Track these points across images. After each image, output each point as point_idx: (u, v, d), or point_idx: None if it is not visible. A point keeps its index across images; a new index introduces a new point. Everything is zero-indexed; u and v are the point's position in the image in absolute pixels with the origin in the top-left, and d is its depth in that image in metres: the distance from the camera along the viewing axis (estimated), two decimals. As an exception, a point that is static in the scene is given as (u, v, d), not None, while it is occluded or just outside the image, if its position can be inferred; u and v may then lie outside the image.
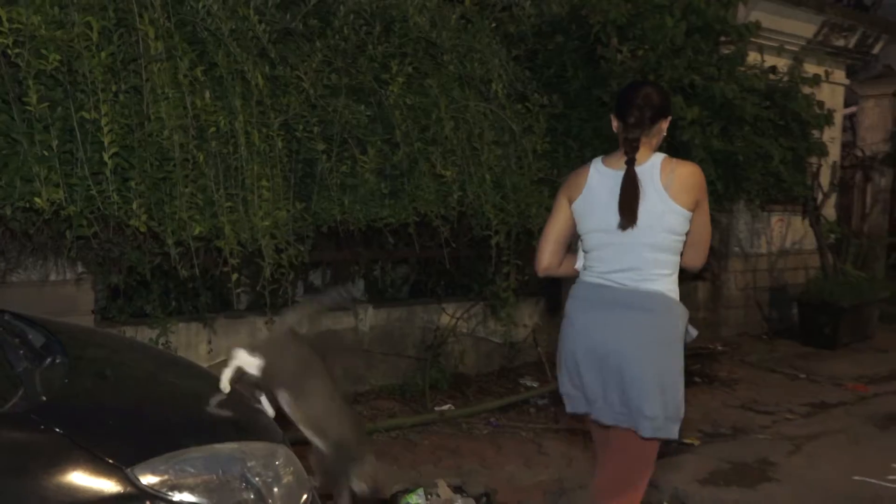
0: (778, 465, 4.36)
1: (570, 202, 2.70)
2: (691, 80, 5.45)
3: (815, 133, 7.83)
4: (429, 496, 3.97)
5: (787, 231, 8.31)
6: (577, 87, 5.56)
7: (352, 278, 5.89)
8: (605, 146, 5.66)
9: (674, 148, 6.01)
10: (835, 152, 8.60)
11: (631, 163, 2.55)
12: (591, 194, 2.64)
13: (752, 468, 4.31)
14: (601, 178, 2.63)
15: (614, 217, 2.54)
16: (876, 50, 8.73)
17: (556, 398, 5.66)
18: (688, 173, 2.57)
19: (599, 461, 2.82)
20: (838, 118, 8.65)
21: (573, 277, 2.84)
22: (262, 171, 4.00)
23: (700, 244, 2.65)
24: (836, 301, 7.39)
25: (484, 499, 3.98)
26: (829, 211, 8.68)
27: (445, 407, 5.27)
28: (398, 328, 5.70)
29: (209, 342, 4.85)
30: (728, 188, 6.39)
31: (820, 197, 7.93)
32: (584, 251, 2.72)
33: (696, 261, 2.68)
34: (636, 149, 2.57)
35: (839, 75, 8.59)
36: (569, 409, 2.77)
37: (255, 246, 3.97)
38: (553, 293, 6.46)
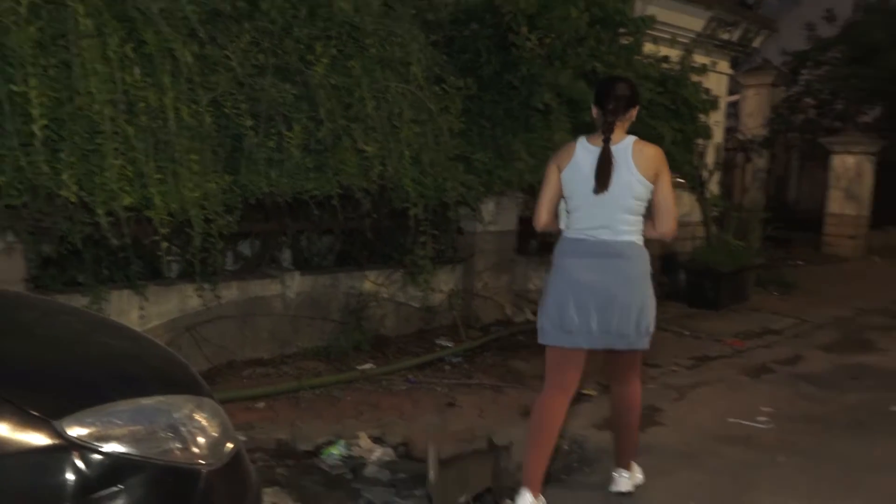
0: (664, 410, 4.54)
1: (560, 170, 3.13)
2: (593, 67, 5.54)
3: (702, 117, 8.09)
4: (351, 446, 3.99)
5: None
6: (490, 72, 5.57)
7: (279, 248, 5.81)
8: (514, 125, 5.74)
9: (578, 128, 6.13)
10: (719, 135, 8.90)
11: (607, 142, 3.01)
12: (576, 165, 3.08)
13: (642, 414, 4.46)
14: (585, 153, 3.07)
15: (592, 184, 3.00)
16: (757, 43, 9.04)
17: (470, 356, 5.78)
18: (652, 153, 3.06)
19: (565, 376, 3.28)
20: (723, 104, 8.93)
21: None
22: (191, 145, 3.91)
23: (665, 212, 3.11)
24: (718, 267, 7.71)
25: (402, 448, 4.04)
26: (714, 187, 8.99)
27: (367, 366, 5.28)
28: (323, 294, 5.67)
29: (141, 308, 4.72)
30: (624, 166, 6.54)
31: (706, 174, 8.20)
32: (568, 211, 3.17)
33: (665, 226, 3.14)
34: (612, 131, 3.02)
35: (724, 66, 8.87)
36: (545, 341, 3.21)
37: (185, 216, 3.88)
38: (468, 261, 6.53)
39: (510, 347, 5.94)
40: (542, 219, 3.25)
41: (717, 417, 4.42)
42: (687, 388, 4.99)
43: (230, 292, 5.15)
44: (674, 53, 7.29)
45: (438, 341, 6.01)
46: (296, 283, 5.48)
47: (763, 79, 13.36)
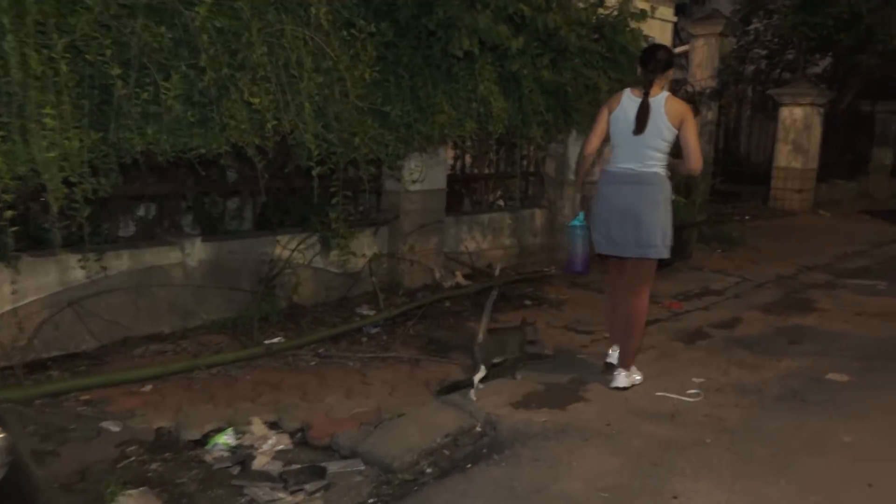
0: (589, 384, 4.23)
1: (610, 112, 4.08)
2: (519, 10, 5.10)
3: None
4: (241, 434, 3.61)
5: (618, 160, 8.24)
6: (408, 15, 5.10)
7: (179, 212, 5.32)
8: (435, 75, 5.30)
9: (504, 78, 5.71)
10: (663, 86, 8.55)
11: (646, 95, 3.94)
12: (622, 110, 4.02)
13: (565, 388, 4.16)
14: (630, 102, 4.00)
15: (633, 126, 3.93)
16: (701, -11, 8.65)
17: (391, 326, 5.42)
18: (679, 107, 3.94)
19: (614, 282, 4.35)
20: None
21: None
22: (43, 97, 3.40)
23: (691, 150, 3.94)
24: (659, 225, 7.41)
25: (299, 433, 3.68)
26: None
27: (276, 339, 4.87)
28: (231, 261, 5.22)
29: (13, 283, 4.23)
30: (558, 119, 6.16)
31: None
32: (612, 147, 4.11)
33: (693, 163, 3.97)
34: (651, 86, 3.94)
35: (667, 12, 8.47)
36: (599, 251, 4.23)
37: (38, 180, 3.39)
38: (393, 223, 6.13)
39: (436, 315, 5.58)
40: (591, 145, 4.22)
41: (646, 390, 4.13)
42: (617, 357, 4.69)
43: (121, 262, 4.68)
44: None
45: (359, 310, 5.63)
46: (197, 251, 5.02)
47: (712, 28, 13.00)
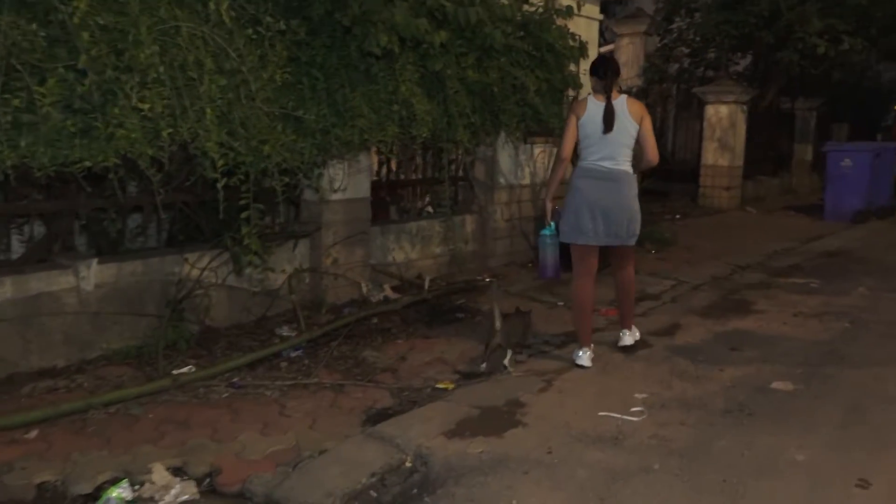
0: (528, 405, 3.94)
1: (578, 118, 4.48)
2: (440, 4, 4.79)
3: (572, 66, 7.54)
4: (139, 485, 3.18)
5: (549, 162, 8.02)
6: (321, 12, 4.73)
7: (73, 231, 4.82)
8: (353, 76, 4.95)
9: (428, 79, 5.40)
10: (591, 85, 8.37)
11: (609, 99, 4.42)
12: (589, 115, 4.44)
13: (502, 412, 3.86)
14: (595, 107, 4.44)
15: (601, 127, 4.37)
16: (626, -14, 8.54)
17: (313, 347, 5.03)
18: (637, 106, 4.50)
19: (583, 273, 4.63)
20: (593, 51, 8.40)
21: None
22: None
23: (650, 144, 4.47)
24: (593, 228, 7.21)
25: (207, 480, 3.27)
26: (587, 142, 8.49)
27: (185, 369, 4.44)
28: (133, 284, 4.75)
29: None
30: (485, 121, 5.88)
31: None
32: (582, 147, 4.50)
33: (651, 154, 4.51)
34: (612, 91, 4.46)
35: (593, 10, 8.30)
36: (577, 242, 4.54)
37: None
38: (314, 236, 5.74)
39: (362, 334, 5.22)
40: (567, 149, 4.54)
41: (587, 410, 3.86)
42: (555, 374, 4.42)
43: (3, 290, 4.17)
44: (538, -5, 6.64)
45: (280, 331, 5.23)
46: (93, 274, 4.54)
47: (636, 27, 13.03)
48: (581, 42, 7.02)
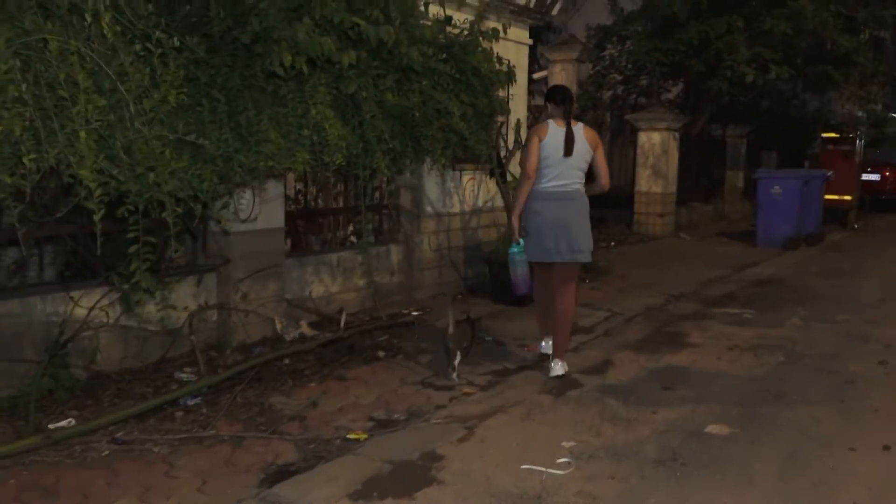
0: (445, 458, 3.58)
1: (540, 140, 4.72)
2: (351, 22, 4.46)
3: (501, 92, 7.30)
4: (-19, 572, 2.71)
5: (479, 189, 7.75)
6: (222, 28, 4.34)
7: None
8: (259, 97, 4.57)
9: (342, 102, 5.07)
10: (522, 112, 8.17)
11: (569, 125, 4.75)
12: (551, 137, 4.72)
13: (417, 467, 3.48)
14: (556, 130, 4.74)
15: (562, 151, 4.70)
16: (555, 11, 8.38)
17: (213, 394, 4.57)
18: (592, 133, 4.87)
19: (545, 285, 5.05)
20: (522, 78, 8.20)
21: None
22: None
23: (603, 171, 4.91)
24: (523, 258, 6.93)
25: (67, 562, 2.82)
26: (517, 169, 8.25)
27: (64, 422, 3.95)
28: (7, 326, 4.24)
29: None
30: (406, 147, 5.55)
31: (504, 154, 7.40)
32: (540, 168, 4.73)
33: (605, 180, 4.94)
34: (570, 117, 4.80)
35: (522, 34, 8.12)
36: (543, 260, 4.86)
37: None
38: (222, 269, 5.30)
39: (272, 376, 4.79)
40: (532, 167, 4.73)
41: (510, 462, 3.52)
42: (478, 420, 4.06)
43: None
44: (462, 17, 6.37)
45: (180, 375, 4.76)
46: (-41, 316, 4.02)
47: (568, 54, 12.94)
48: (510, 67, 6.77)
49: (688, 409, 4.26)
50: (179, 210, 3.97)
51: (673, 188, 12.66)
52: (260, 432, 3.94)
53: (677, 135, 12.68)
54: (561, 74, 13.12)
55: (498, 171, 7.06)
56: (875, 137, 15.08)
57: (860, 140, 14.46)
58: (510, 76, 6.79)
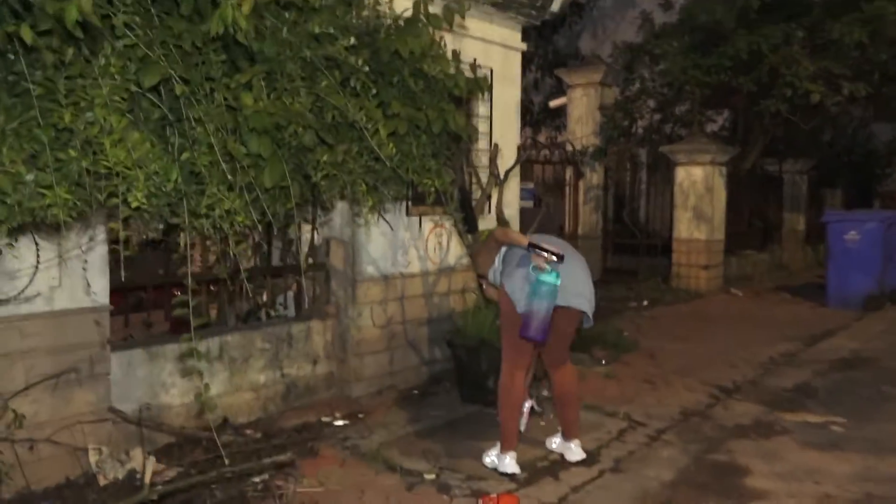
0: None
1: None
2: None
3: (482, 108, 5.28)
4: None
5: (448, 242, 5.64)
6: None
7: None
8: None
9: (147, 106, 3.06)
10: (510, 136, 6.09)
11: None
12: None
13: None
14: None
15: None
16: (556, 7, 6.32)
17: None
18: None
19: (525, 356, 3.84)
20: (511, 92, 6.14)
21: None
22: None
23: None
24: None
25: None
26: (511, 212, 6.15)
27: None
28: None
29: None
30: (287, 180, 3.50)
31: (479, 194, 5.31)
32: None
33: None
34: None
35: (510, 36, 6.09)
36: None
37: None
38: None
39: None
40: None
41: None
42: None
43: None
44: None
45: None
46: None
47: (590, 76, 10.89)
48: (481, 73, 4.73)
49: None
50: None
51: (720, 234, 10.37)
52: None
53: (724, 170, 10.43)
54: (582, 101, 11.05)
55: (460, 215, 4.98)
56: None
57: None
58: (479, 85, 4.76)
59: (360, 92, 3.78)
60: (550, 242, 3.68)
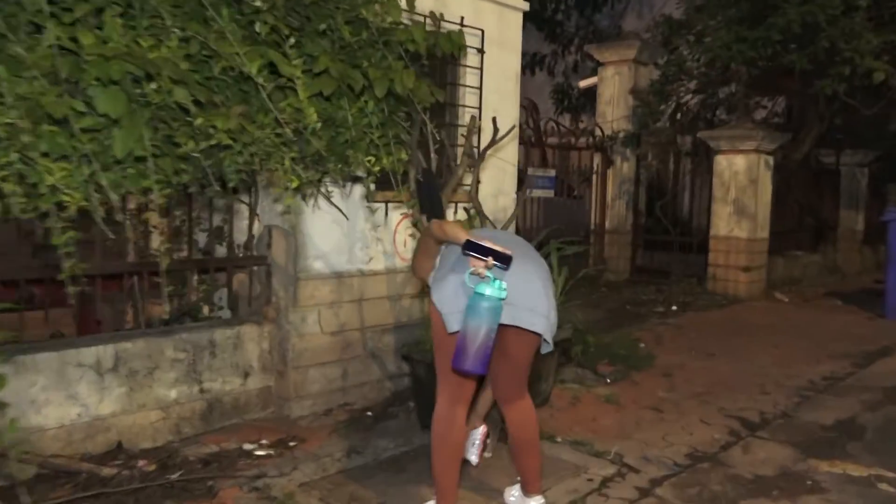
0: None
1: None
2: None
3: (467, 79, 4.42)
4: None
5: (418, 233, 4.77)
6: None
7: None
8: None
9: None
10: (509, 111, 5.18)
11: None
12: None
13: None
14: None
15: None
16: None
17: None
18: None
19: (464, 387, 2.85)
20: (509, 60, 5.23)
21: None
22: None
23: None
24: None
25: None
26: (506, 202, 5.26)
27: None
28: None
29: None
30: (141, 146, 2.68)
31: (459, 176, 4.41)
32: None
33: None
34: None
35: (508, -8, 5.17)
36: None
37: None
38: None
39: None
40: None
41: None
42: None
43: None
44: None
45: None
46: None
47: (624, 53, 9.85)
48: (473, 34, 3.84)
49: None
50: None
51: (763, 232, 9.25)
52: None
53: (771, 160, 9.30)
54: (614, 80, 10.01)
55: (415, 201, 4.10)
56: None
57: None
58: (453, 41, 3.91)
59: (265, 38, 2.94)
60: (496, 239, 2.76)
